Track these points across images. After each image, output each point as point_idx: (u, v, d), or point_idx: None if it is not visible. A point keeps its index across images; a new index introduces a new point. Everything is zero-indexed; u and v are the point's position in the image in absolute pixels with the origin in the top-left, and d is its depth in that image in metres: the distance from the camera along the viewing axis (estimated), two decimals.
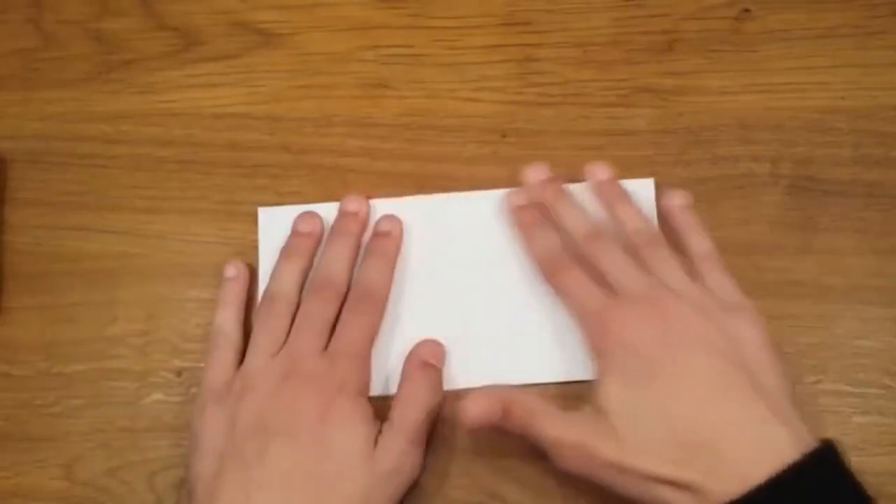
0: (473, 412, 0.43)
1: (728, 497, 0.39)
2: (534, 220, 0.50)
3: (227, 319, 0.49)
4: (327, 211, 0.51)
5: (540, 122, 0.53)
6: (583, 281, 0.47)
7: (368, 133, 0.54)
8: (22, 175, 0.54)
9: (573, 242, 0.48)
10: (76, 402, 0.50)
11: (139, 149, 0.54)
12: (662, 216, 0.50)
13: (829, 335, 0.49)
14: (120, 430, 0.49)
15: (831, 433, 0.44)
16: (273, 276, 0.49)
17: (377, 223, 0.51)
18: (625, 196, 0.49)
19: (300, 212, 0.51)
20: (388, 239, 0.50)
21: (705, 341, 0.43)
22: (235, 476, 0.43)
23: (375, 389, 0.48)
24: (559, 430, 0.43)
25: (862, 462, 0.40)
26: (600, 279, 0.46)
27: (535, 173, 0.50)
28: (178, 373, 0.50)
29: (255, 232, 0.52)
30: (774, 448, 0.40)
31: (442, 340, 0.49)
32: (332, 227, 0.51)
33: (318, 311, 0.47)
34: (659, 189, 0.51)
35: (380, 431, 0.45)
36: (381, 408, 0.46)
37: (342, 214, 0.51)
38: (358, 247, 0.50)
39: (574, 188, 0.51)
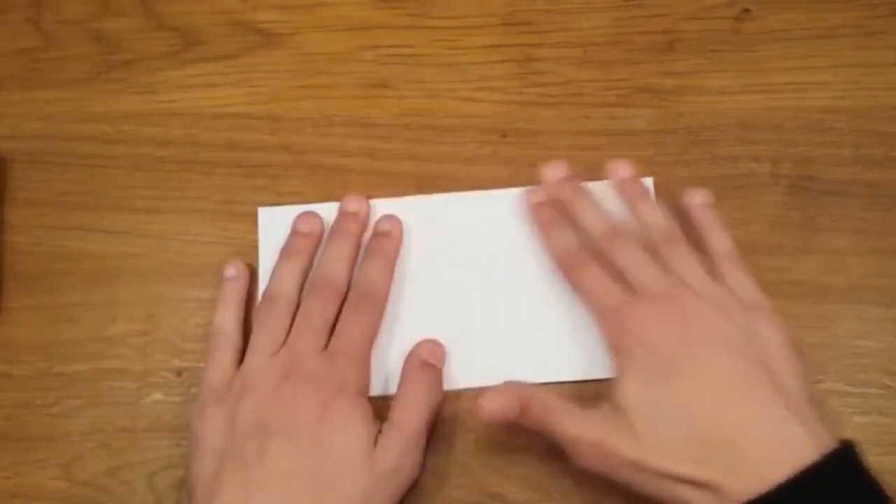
0: (490, 409, 0.43)
1: (747, 497, 0.38)
2: (552, 217, 0.50)
3: (227, 319, 0.49)
4: (327, 211, 0.51)
5: (540, 122, 0.53)
6: (601, 278, 0.47)
7: (368, 133, 0.54)
8: (22, 175, 0.54)
9: (591, 240, 0.48)
10: (76, 402, 0.50)
11: (139, 149, 0.54)
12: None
13: (829, 335, 0.49)
14: (120, 430, 0.49)
15: None
16: (273, 276, 0.49)
17: (377, 223, 0.51)
18: (646, 194, 0.49)
19: (300, 212, 0.51)
20: (388, 239, 0.50)
21: (725, 340, 0.43)
22: (235, 476, 0.43)
23: (375, 389, 0.48)
24: (577, 427, 0.43)
25: None
26: (618, 277, 0.46)
27: (554, 171, 0.50)
28: (178, 373, 0.50)
29: (255, 232, 0.52)
30: (793, 448, 0.40)
31: (442, 340, 0.49)
32: (332, 227, 0.51)
33: (318, 311, 0.47)
34: (659, 189, 0.51)
35: (380, 431, 0.45)
36: (381, 408, 0.46)
37: (342, 214, 0.51)
38: (358, 247, 0.50)
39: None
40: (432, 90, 0.54)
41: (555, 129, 0.53)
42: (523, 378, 0.48)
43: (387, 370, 0.49)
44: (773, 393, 0.41)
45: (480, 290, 0.50)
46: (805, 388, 0.43)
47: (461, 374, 0.48)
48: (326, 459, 0.43)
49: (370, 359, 0.48)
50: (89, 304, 0.51)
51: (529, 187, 0.51)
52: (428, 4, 0.56)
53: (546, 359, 0.48)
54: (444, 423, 0.48)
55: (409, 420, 0.45)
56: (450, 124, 0.53)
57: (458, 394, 0.48)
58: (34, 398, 0.50)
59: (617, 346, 0.45)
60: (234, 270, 0.50)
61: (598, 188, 0.50)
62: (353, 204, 0.51)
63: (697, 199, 0.49)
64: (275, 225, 0.51)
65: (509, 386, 0.44)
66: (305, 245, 0.50)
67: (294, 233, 0.51)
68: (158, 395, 0.50)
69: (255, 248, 0.51)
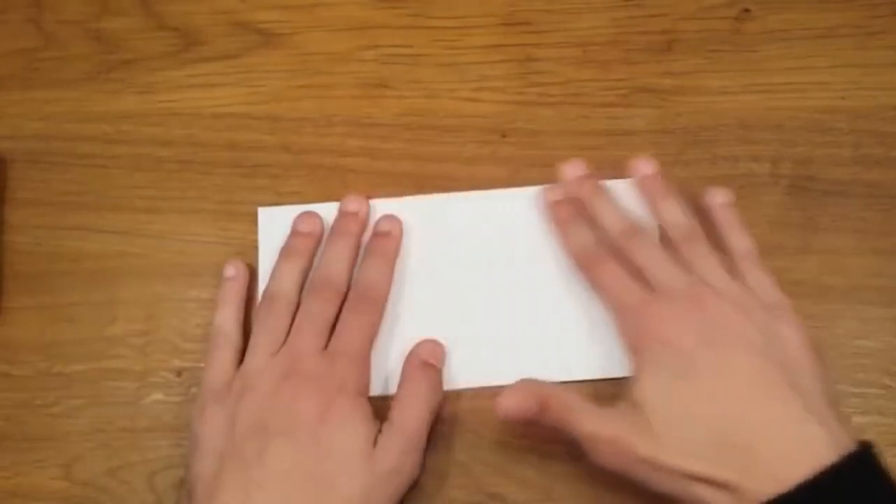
0: (509, 406, 0.43)
1: (765, 497, 0.38)
2: (569, 215, 0.50)
3: (227, 319, 0.49)
4: (327, 211, 0.51)
5: (540, 122, 0.53)
6: (620, 275, 0.47)
7: (368, 133, 0.54)
8: (22, 175, 0.54)
9: (609, 239, 0.48)
10: (76, 402, 0.50)
11: (139, 149, 0.54)
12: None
13: (829, 335, 0.49)
14: (120, 430, 0.49)
15: None
16: (273, 276, 0.49)
17: (377, 223, 0.51)
18: (668, 192, 0.49)
19: (300, 212, 0.51)
20: (388, 239, 0.50)
21: (745, 340, 0.43)
22: (235, 476, 0.43)
23: (375, 389, 0.48)
24: (595, 425, 0.43)
25: None
26: (637, 275, 0.46)
27: (572, 169, 0.50)
28: (178, 373, 0.50)
29: (255, 232, 0.52)
30: (812, 449, 0.40)
31: (442, 340, 0.49)
32: (332, 227, 0.51)
33: (318, 311, 0.47)
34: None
35: (380, 431, 0.45)
36: (381, 408, 0.46)
37: (342, 214, 0.51)
38: (358, 247, 0.50)
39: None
40: (432, 90, 0.54)
41: (555, 129, 0.53)
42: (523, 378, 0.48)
43: (387, 370, 0.49)
44: (791, 393, 0.41)
45: (480, 290, 0.50)
46: (824, 388, 0.43)
47: (461, 374, 0.48)
48: (326, 459, 0.43)
49: (370, 359, 0.48)
50: (89, 304, 0.51)
51: (547, 185, 0.51)
52: (428, 4, 0.56)
53: (546, 358, 0.48)
54: (444, 423, 0.48)
55: (409, 420, 0.45)
56: (450, 124, 0.53)
57: (458, 394, 0.48)
58: (34, 398, 0.50)
59: (635, 344, 0.45)
60: (233, 270, 0.50)
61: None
62: (353, 204, 0.51)
63: (718, 199, 0.49)
64: (275, 225, 0.51)
65: (527, 383, 0.44)
66: (305, 245, 0.50)
67: (294, 233, 0.51)
68: (158, 395, 0.50)
69: (255, 248, 0.51)
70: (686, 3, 0.55)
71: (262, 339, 0.47)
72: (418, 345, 0.48)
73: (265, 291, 0.49)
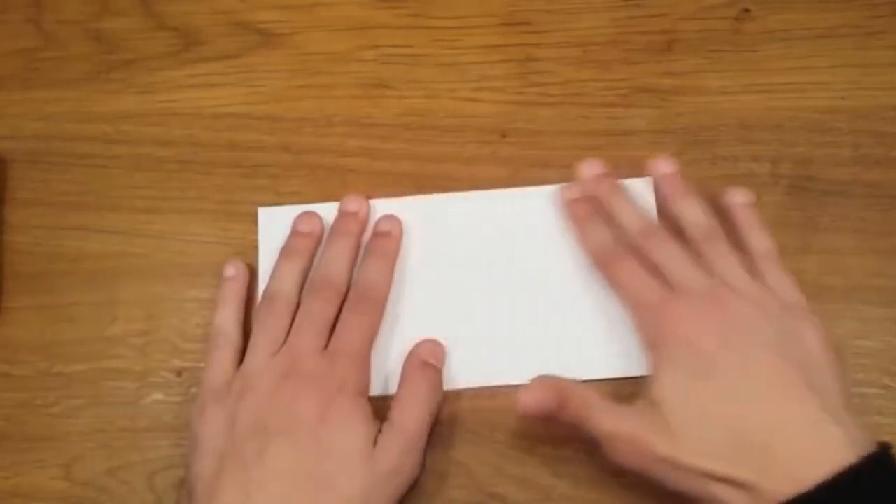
0: (528, 402, 0.43)
1: (782, 497, 0.38)
2: (587, 213, 0.50)
3: (227, 319, 0.49)
4: (327, 211, 0.51)
5: (540, 122, 0.53)
6: (638, 273, 0.47)
7: (368, 133, 0.54)
8: (22, 175, 0.54)
9: (627, 237, 0.48)
10: (76, 402, 0.50)
11: (139, 149, 0.54)
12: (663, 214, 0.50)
13: (829, 335, 0.48)
14: (120, 430, 0.49)
15: None
16: (273, 276, 0.49)
17: (377, 223, 0.51)
18: (688, 191, 0.49)
19: (300, 212, 0.51)
20: (388, 239, 0.50)
21: (764, 340, 0.43)
22: (235, 476, 0.43)
23: (375, 389, 0.48)
24: (613, 423, 0.43)
25: None
26: (655, 274, 0.46)
27: (590, 168, 0.51)
28: (178, 373, 0.50)
29: (255, 232, 0.52)
30: (830, 449, 0.40)
31: (442, 340, 0.49)
32: (332, 227, 0.51)
33: (318, 311, 0.47)
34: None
35: (380, 431, 0.45)
36: (381, 408, 0.46)
37: (342, 214, 0.51)
38: (358, 247, 0.50)
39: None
40: (432, 90, 0.54)
41: (555, 129, 0.53)
42: (522, 378, 0.48)
43: (387, 370, 0.49)
44: (810, 393, 0.41)
45: (480, 290, 0.50)
46: (843, 389, 0.43)
47: (461, 374, 0.48)
48: (326, 459, 0.43)
49: (370, 359, 0.48)
50: (89, 304, 0.51)
51: (563, 184, 0.51)
52: (428, 4, 0.56)
53: (546, 358, 0.48)
54: (444, 423, 0.48)
55: (409, 420, 0.45)
56: (450, 124, 0.53)
57: (458, 394, 0.48)
58: (34, 398, 0.50)
59: (654, 343, 0.45)
60: (233, 270, 0.50)
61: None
62: (353, 204, 0.51)
63: (738, 198, 0.49)
64: (275, 225, 0.51)
65: (546, 379, 0.44)
66: (305, 245, 0.50)
67: (294, 233, 0.51)
68: (158, 395, 0.50)
69: (255, 248, 0.51)
70: (686, 3, 0.55)
71: (262, 339, 0.47)
72: (418, 345, 0.48)
73: (265, 291, 0.49)
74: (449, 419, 0.48)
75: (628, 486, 0.46)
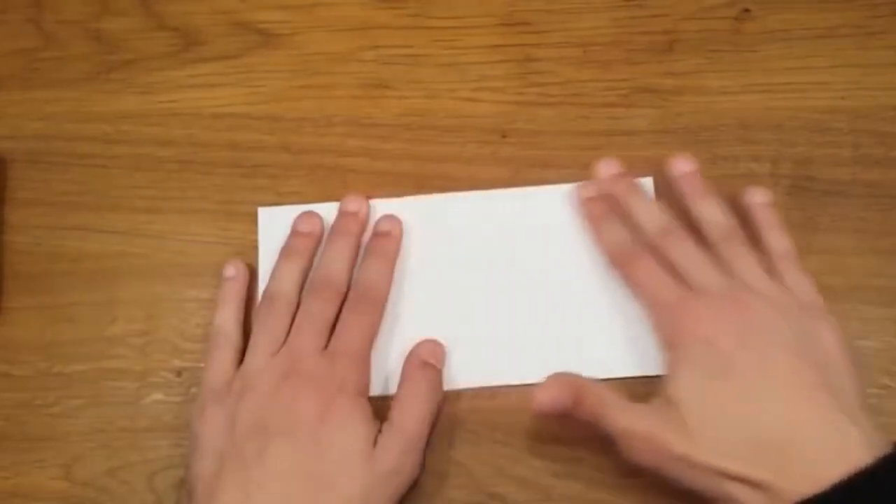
0: (545, 399, 0.43)
1: (798, 497, 0.38)
2: (603, 211, 0.50)
3: (227, 319, 0.49)
4: (327, 211, 0.51)
5: (540, 122, 0.53)
6: (656, 272, 0.47)
7: (368, 133, 0.54)
8: (22, 175, 0.54)
9: (644, 236, 0.48)
10: (76, 402, 0.50)
11: (139, 149, 0.54)
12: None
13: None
14: (120, 430, 0.49)
15: None
16: (273, 276, 0.49)
17: (377, 223, 0.51)
18: (707, 190, 0.49)
19: (300, 212, 0.51)
20: (388, 239, 0.50)
21: (782, 340, 0.43)
22: (235, 476, 0.43)
23: (375, 389, 0.48)
24: (629, 421, 0.43)
25: None
26: (672, 273, 0.46)
27: (607, 167, 0.50)
28: (178, 373, 0.50)
29: (255, 232, 0.52)
30: (847, 449, 0.40)
31: (442, 340, 0.49)
32: (332, 227, 0.51)
33: (318, 311, 0.47)
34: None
35: (380, 431, 0.45)
36: (381, 408, 0.46)
37: (342, 214, 0.51)
38: (358, 247, 0.50)
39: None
40: (432, 90, 0.54)
41: (555, 129, 0.53)
42: (523, 378, 0.48)
43: (387, 370, 0.49)
44: (827, 394, 0.41)
45: (480, 290, 0.50)
46: (859, 390, 0.43)
47: (461, 374, 0.48)
48: (326, 459, 0.43)
49: (370, 359, 0.48)
50: (89, 304, 0.51)
51: (580, 182, 0.51)
52: (428, 4, 0.56)
53: (546, 358, 0.48)
54: (444, 423, 0.48)
55: (409, 420, 0.45)
56: (450, 124, 0.53)
57: (458, 394, 0.48)
58: (34, 398, 0.50)
59: (671, 341, 0.45)
60: (233, 270, 0.50)
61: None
62: (353, 204, 0.51)
63: (758, 198, 0.49)
64: (275, 225, 0.51)
65: (562, 376, 0.44)
66: (305, 245, 0.50)
67: (294, 233, 0.51)
68: (158, 395, 0.50)
69: (255, 248, 0.51)
70: (686, 3, 0.55)
71: (262, 339, 0.47)
72: (418, 345, 0.48)
73: (265, 291, 0.49)
74: (449, 419, 0.48)
75: (628, 486, 0.46)
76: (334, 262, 0.49)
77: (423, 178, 0.52)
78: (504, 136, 0.53)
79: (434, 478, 0.47)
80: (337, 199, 0.51)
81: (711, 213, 0.48)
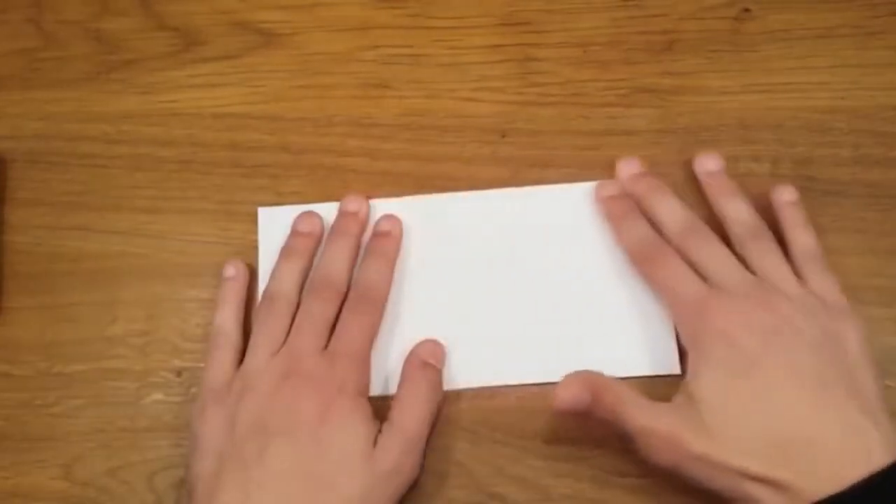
0: (565, 397, 0.43)
1: (817, 497, 0.38)
2: (623, 210, 0.50)
3: (227, 319, 0.49)
4: (327, 211, 0.51)
5: (540, 122, 0.53)
6: (680, 270, 0.46)
7: (368, 133, 0.54)
8: (22, 175, 0.54)
9: (666, 235, 0.48)
10: (76, 402, 0.50)
11: (139, 149, 0.54)
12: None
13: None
14: (120, 430, 0.49)
15: None
16: (273, 276, 0.49)
17: (377, 223, 0.51)
18: (734, 189, 0.49)
19: (300, 212, 0.51)
20: (388, 239, 0.50)
21: (806, 340, 0.43)
22: (235, 476, 0.43)
23: (375, 389, 0.48)
24: (648, 419, 0.43)
25: None
26: (696, 271, 0.46)
27: (628, 167, 0.50)
28: (178, 373, 0.50)
29: (255, 232, 0.52)
30: (867, 450, 0.40)
31: (442, 340, 0.49)
32: (332, 227, 0.51)
33: (318, 311, 0.47)
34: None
35: (380, 431, 0.45)
36: (381, 408, 0.46)
37: (342, 214, 0.51)
38: (358, 247, 0.50)
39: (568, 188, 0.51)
40: (432, 90, 0.54)
41: (554, 129, 0.53)
42: (523, 378, 0.48)
43: (387, 370, 0.49)
44: (848, 395, 0.41)
45: (480, 290, 0.50)
46: (880, 392, 0.43)
47: (461, 374, 0.48)
48: (326, 459, 0.43)
49: (370, 359, 0.48)
50: (89, 304, 0.51)
51: (600, 181, 0.51)
52: (428, 4, 0.56)
53: (546, 359, 0.48)
54: (444, 423, 0.48)
55: (409, 420, 0.45)
56: (450, 124, 0.53)
57: (458, 394, 0.48)
58: (34, 398, 0.50)
59: (694, 340, 0.45)
60: (233, 270, 0.50)
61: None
62: (353, 204, 0.51)
63: (786, 196, 0.49)
64: (275, 225, 0.51)
65: (581, 374, 0.44)
66: (305, 245, 0.50)
67: (294, 233, 0.51)
68: (158, 395, 0.50)
69: (255, 248, 0.51)
70: (686, 3, 0.55)
71: (262, 340, 0.47)
72: (418, 345, 0.48)
73: (265, 291, 0.49)
74: (449, 419, 0.48)
75: (629, 486, 0.46)
76: (334, 262, 0.49)
77: (423, 178, 0.52)
78: (504, 136, 0.53)
79: (434, 478, 0.47)
80: (337, 199, 0.51)
81: (738, 211, 0.48)
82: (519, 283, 0.50)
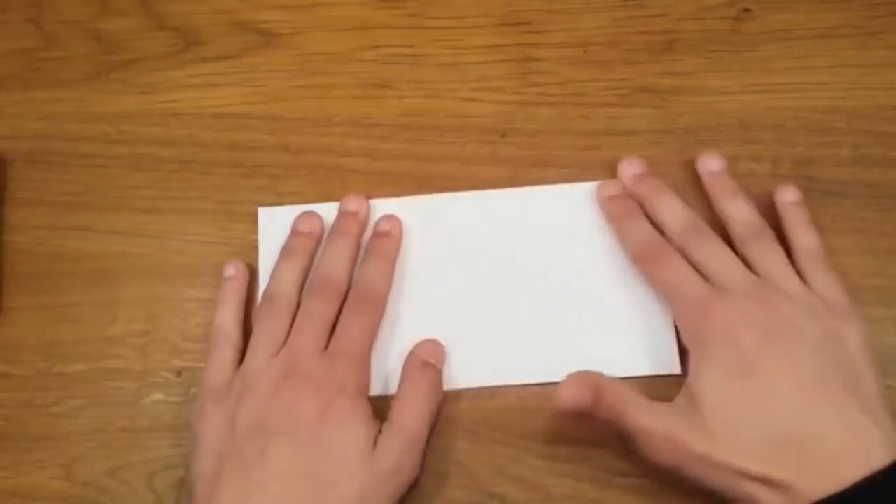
0: (566, 397, 0.43)
1: (817, 496, 0.38)
2: (625, 210, 0.50)
3: (227, 319, 0.49)
4: (327, 211, 0.51)
5: (540, 122, 0.53)
6: (682, 269, 0.46)
7: (368, 133, 0.54)
8: (22, 175, 0.54)
9: (668, 235, 0.48)
10: (76, 402, 0.50)
11: (140, 149, 0.54)
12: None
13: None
14: (120, 430, 0.49)
15: None
16: (273, 276, 0.49)
17: (377, 223, 0.51)
18: (736, 189, 0.49)
19: (300, 212, 0.51)
20: (388, 239, 0.50)
21: (807, 339, 0.43)
22: (235, 476, 0.43)
23: (375, 389, 0.48)
24: (649, 420, 0.43)
25: None
26: (698, 271, 0.46)
27: (630, 167, 0.50)
28: (178, 373, 0.50)
29: (255, 232, 0.52)
30: (867, 450, 0.40)
31: (442, 340, 0.49)
32: (332, 227, 0.51)
33: (318, 311, 0.47)
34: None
35: (380, 431, 0.45)
36: (381, 408, 0.46)
37: (342, 214, 0.51)
38: (358, 247, 0.50)
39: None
40: (432, 90, 0.54)
41: (554, 129, 0.53)
42: (522, 378, 0.48)
43: (387, 370, 0.49)
44: (848, 394, 0.41)
45: (480, 290, 0.50)
46: (881, 391, 0.43)
47: (461, 374, 0.48)
48: (326, 459, 0.43)
49: (370, 359, 0.48)
50: (90, 304, 0.51)
51: (601, 181, 0.51)
52: (428, 4, 0.56)
53: (545, 359, 0.48)
54: (443, 423, 0.48)
55: (409, 420, 0.45)
56: (450, 124, 0.53)
57: (458, 394, 0.48)
58: (34, 398, 0.50)
59: (696, 340, 0.45)
60: (233, 270, 0.50)
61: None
62: (353, 204, 0.51)
63: (789, 197, 0.49)
64: (275, 225, 0.51)
65: (582, 374, 0.44)
66: (305, 245, 0.50)
67: (294, 233, 0.51)
68: (158, 395, 0.50)
69: (255, 248, 0.51)
70: (686, 3, 0.55)
71: (263, 340, 0.47)
72: (418, 345, 0.48)
73: (265, 291, 0.49)
74: (449, 419, 0.48)
75: (629, 485, 0.46)
76: (334, 263, 0.49)
77: (423, 178, 0.52)
78: (504, 136, 0.53)
79: (434, 478, 0.47)
80: (337, 199, 0.51)
81: (740, 210, 0.48)
82: (519, 284, 0.50)
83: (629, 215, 0.49)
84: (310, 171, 0.53)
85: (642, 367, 0.48)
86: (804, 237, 0.48)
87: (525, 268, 0.50)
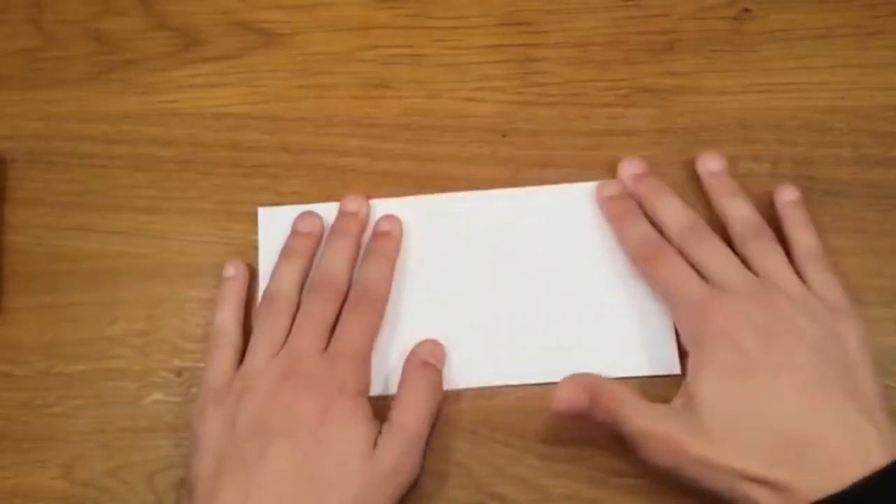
0: (563, 399, 0.43)
1: (815, 497, 0.38)
2: (625, 210, 0.50)
3: (227, 319, 0.49)
4: (327, 211, 0.51)
5: (540, 122, 0.53)
6: (682, 269, 0.46)
7: (368, 133, 0.54)
8: (22, 175, 0.54)
9: (668, 235, 0.48)
10: (76, 402, 0.50)
11: (140, 149, 0.54)
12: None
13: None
14: (120, 430, 0.49)
15: None
16: (273, 276, 0.49)
17: (377, 223, 0.51)
18: (736, 189, 0.49)
19: (300, 212, 0.51)
20: (388, 239, 0.50)
21: (807, 339, 0.43)
22: (235, 476, 0.43)
23: (375, 389, 0.48)
24: (646, 421, 0.43)
25: None
26: (698, 271, 0.46)
27: (630, 167, 0.50)
28: (178, 373, 0.50)
29: (255, 232, 0.52)
30: (865, 450, 0.40)
31: (442, 340, 0.49)
32: (332, 227, 0.51)
33: (318, 312, 0.47)
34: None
35: (380, 431, 0.45)
36: (381, 408, 0.46)
37: (342, 214, 0.51)
38: (358, 247, 0.50)
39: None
40: (432, 90, 0.54)
41: (554, 129, 0.53)
42: (522, 378, 0.48)
43: (387, 370, 0.49)
44: (847, 395, 0.41)
45: (480, 290, 0.50)
46: (879, 392, 0.43)
47: (461, 374, 0.48)
48: (326, 459, 0.43)
49: (370, 359, 0.48)
50: (90, 304, 0.51)
51: (601, 181, 0.51)
52: (428, 4, 0.56)
53: (545, 359, 0.48)
54: (444, 423, 0.48)
55: (409, 420, 0.45)
56: (450, 124, 0.53)
57: (458, 394, 0.48)
58: (34, 398, 0.50)
59: (695, 340, 0.45)
60: (233, 270, 0.50)
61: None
62: (353, 204, 0.51)
63: (788, 196, 0.49)
64: (275, 225, 0.51)
65: (578, 376, 0.44)
66: (305, 245, 0.50)
67: (294, 233, 0.51)
68: (158, 395, 0.50)
69: (255, 248, 0.51)
70: (686, 3, 0.55)
71: (263, 340, 0.47)
72: (418, 345, 0.48)
73: (265, 291, 0.49)
74: (449, 419, 0.48)
75: (628, 486, 0.46)
76: (334, 263, 0.49)
77: (423, 178, 0.52)
78: (504, 136, 0.53)
79: (434, 478, 0.47)
80: (337, 199, 0.51)
81: (740, 210, 0.48)
82: (519, 284, 0.50)
83: (629, 215, 0.49)
84: (310, 171, 0.53)
85: (642, 367, 0.48)
86: (803, 237, 0.48)
87: (525, 268, 0.50)
